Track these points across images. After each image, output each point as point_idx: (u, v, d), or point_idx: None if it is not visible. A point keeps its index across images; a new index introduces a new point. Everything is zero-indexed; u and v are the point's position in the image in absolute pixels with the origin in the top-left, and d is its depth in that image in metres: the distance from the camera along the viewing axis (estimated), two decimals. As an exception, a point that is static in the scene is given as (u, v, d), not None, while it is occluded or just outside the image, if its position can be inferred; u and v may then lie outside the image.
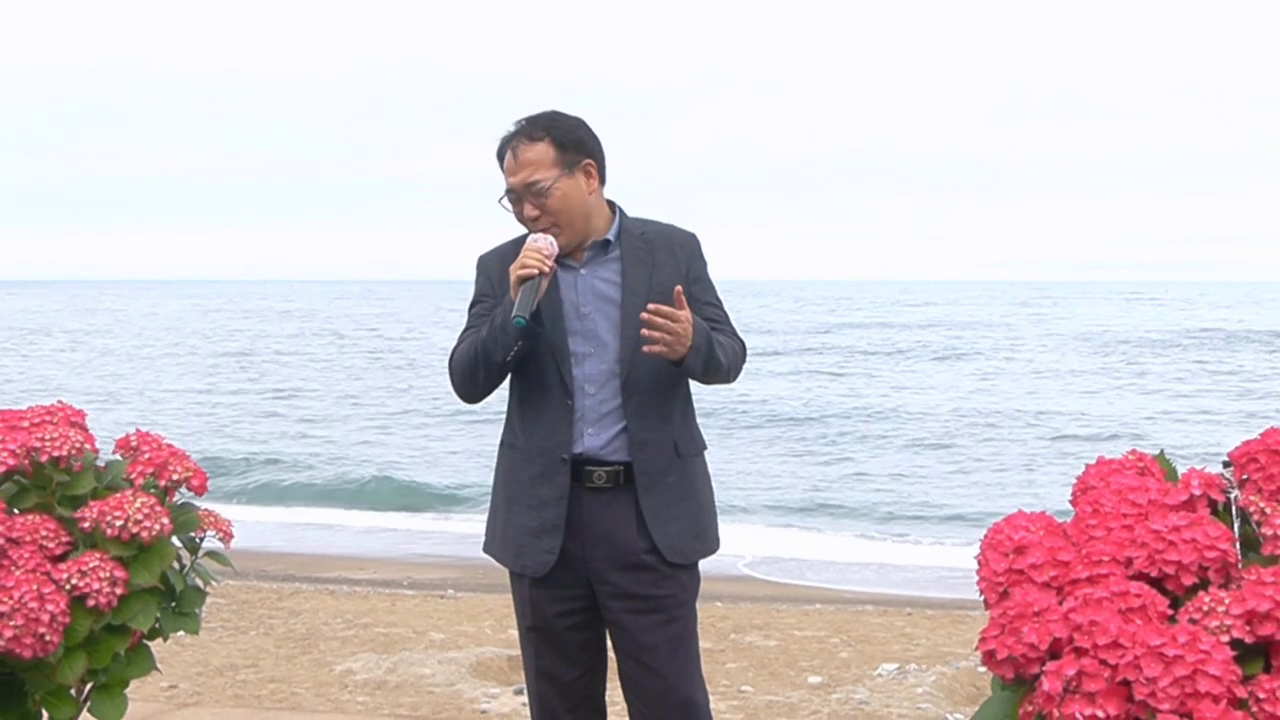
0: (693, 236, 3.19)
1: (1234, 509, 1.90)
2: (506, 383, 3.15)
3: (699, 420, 3.22)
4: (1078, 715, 1.65)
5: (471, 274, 3.22)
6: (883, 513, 13.58)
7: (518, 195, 3.03)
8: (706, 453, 3.22)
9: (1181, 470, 2.00)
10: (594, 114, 3.14)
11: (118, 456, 2.48)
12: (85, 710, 2.35)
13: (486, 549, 3.23)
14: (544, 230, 3.00)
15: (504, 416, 3.18)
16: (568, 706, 3.12)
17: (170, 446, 2.47)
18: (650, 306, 2.90)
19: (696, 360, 2.95)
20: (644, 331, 2.90)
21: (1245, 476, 1.96)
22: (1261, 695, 1.63)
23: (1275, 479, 1.92)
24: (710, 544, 3.14)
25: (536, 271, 2.91)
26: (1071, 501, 2.05)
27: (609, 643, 3.16)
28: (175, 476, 2.42)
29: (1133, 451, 2.10)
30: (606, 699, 3.23)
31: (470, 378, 3.07)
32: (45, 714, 2.33)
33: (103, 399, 24.76)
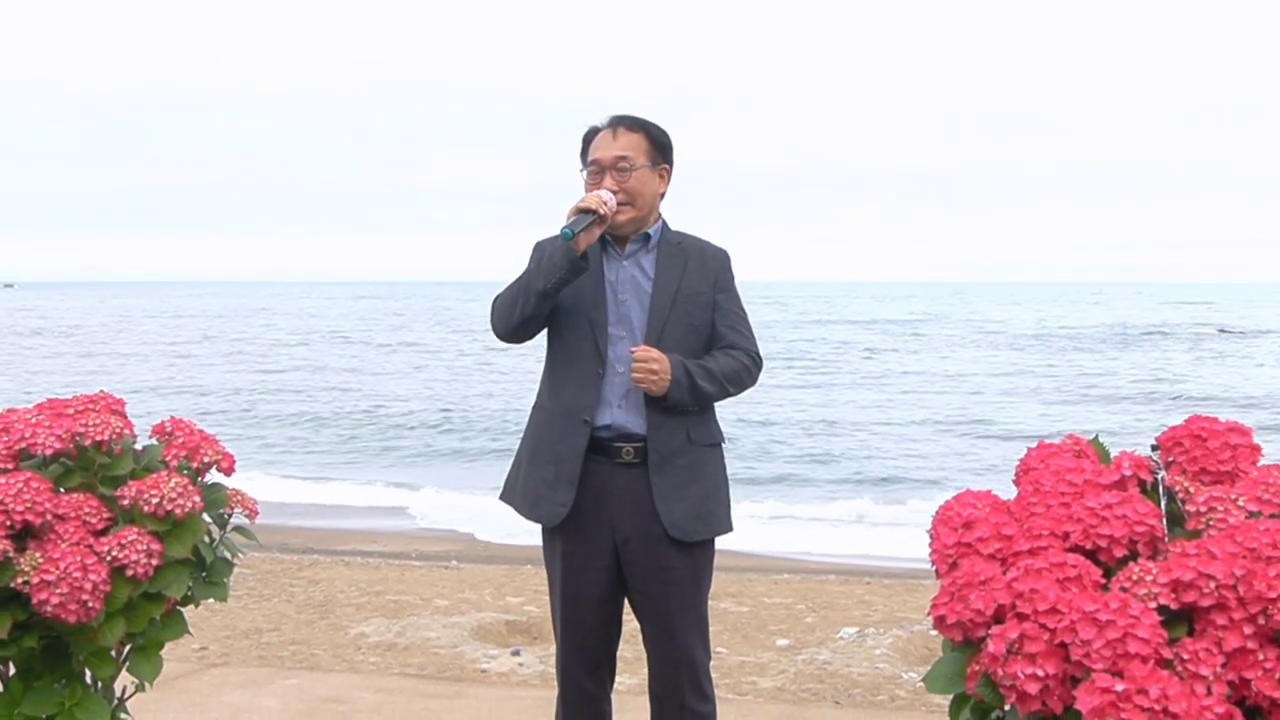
0: (725, 252, 3.19)
1: (1161, 488, 1.91)
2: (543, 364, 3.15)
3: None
4: (1019, 674, 1.66)
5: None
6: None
7: (601, 168, 3.04)
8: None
9: (1114, 453, 2.01)
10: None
11: (154, 441, 2.47)
12: (124, 669, 2.35)
13: (504, 498, 3.20)
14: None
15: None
16: (588, 669, 3.14)
17: (201, 432, 2.46)
18: (635, 351, 2.95)
19: (679, 393, 2.96)
20: (633, 375, 2.95)
21: (1171, 459, 1.97)
22: (1185, 656, 1.64)
23: (1198, 461, 1.93)
24: (715, 527, 3.10)
25: (595, 206, 2.93)
26: (1014, 481, 2.05)
27: (624, 611, 3.17)
28: (206, 459, 2.41)
29: (1070, 436, 2.11)
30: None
31: (508, 309, 3.05)
32: (88, 672, 2.32)
33: (139, 389, 24.61)
